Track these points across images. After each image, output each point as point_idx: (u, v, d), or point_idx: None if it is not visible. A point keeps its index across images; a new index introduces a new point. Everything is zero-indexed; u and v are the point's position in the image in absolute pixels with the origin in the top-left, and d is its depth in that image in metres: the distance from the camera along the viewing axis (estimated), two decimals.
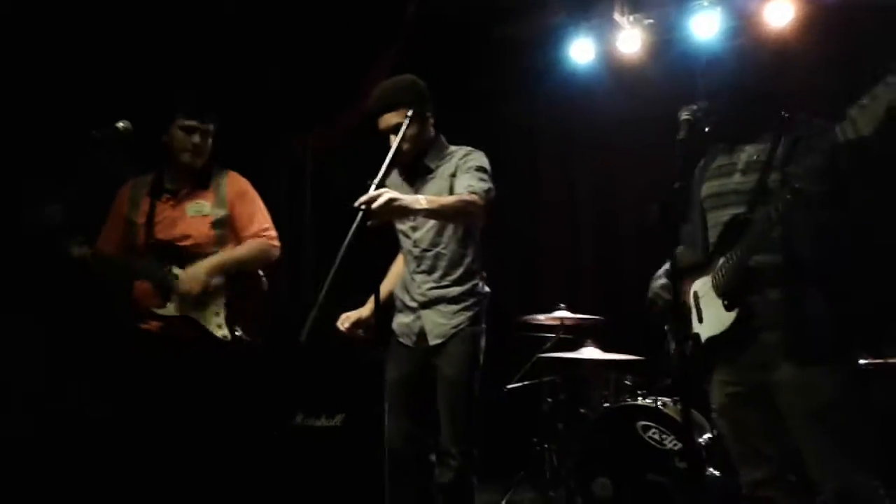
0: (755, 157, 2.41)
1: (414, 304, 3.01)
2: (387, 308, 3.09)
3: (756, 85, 2.42)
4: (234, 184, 3.34)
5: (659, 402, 3.88)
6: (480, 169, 2.95)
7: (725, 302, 2.35)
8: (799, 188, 2.12)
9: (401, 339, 3.04)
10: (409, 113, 2.83)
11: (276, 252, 3.35)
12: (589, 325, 4.42)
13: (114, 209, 3.31)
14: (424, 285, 2.99)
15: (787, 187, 2.16)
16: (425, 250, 3.00)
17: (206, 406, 3.01)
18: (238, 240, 3.29)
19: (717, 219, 2.45)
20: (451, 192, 2.94)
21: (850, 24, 4.53)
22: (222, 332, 3.15)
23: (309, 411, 3.79)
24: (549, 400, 4.45)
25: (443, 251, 2.99)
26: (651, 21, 5.10)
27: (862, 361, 3.58)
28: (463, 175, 2.93)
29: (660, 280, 2.60)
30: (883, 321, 3.59)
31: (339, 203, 3.24)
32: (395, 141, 2.76)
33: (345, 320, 3.05)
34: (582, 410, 4.35)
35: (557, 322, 4.42)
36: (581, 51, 5.26)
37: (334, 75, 4.76)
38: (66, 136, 3.19)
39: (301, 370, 3.86)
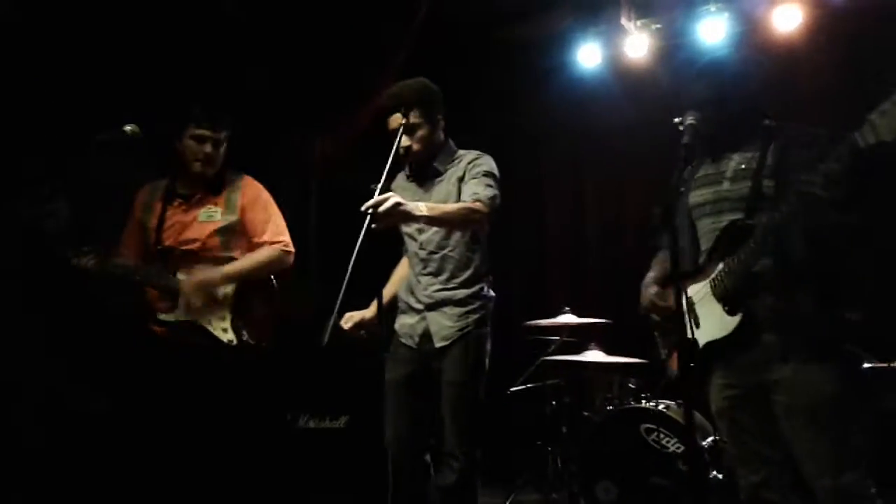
0: (743, 166, 2.43)
1: (419, 306, 3.01)
2: (390, 311, 3.10)
3: (740, 96, 2.45)
4: (248, 190, 3.32)
5: (662, 406, 3.88)
6: (488, 175, 2.95)
7: (726, 307, 2.36)
8: (805, 192, 2.13)
9: (403, 340, 3.05)
10: (420, 114, 2.87)
11: (290, 259, 3.32)
12: (593, 329, 4.42)
13: (130, 213, 3.34)
14: (431, 287, 3.00)
15: (793, 192, 2.18)
16: (432, 252, 3.01)
17: (209, 409, 3.01)
18: (250, 246, 3.28)
19: (710, 226, 2.47)
20: (458, 196, 2.95)
21: (857, 28, 4.54)
22: (228, 336, 3.15)
23: (313, 413, 3.81)
24: (553, 403, 4.45)
25: (450, 253, 2.99)
26: (658, 26, 5.11)
27: (867, 365, 3.59)
28: (470, 181, 2.94)
29: (651, 288, 2.63)
30: (890, 325, 3.60)
31: (346, 207, 3.28)
32: (402, 140, 2.79)
33: (348, 320, 3.05)
34: (586, 413, 4.35)
35: (562, 325, 4.43)
36: (588, 55, 5.27)
37: (342, 79, 4.78)
38: (75, 139, 3.21)
39: (306, 372, 3.88)
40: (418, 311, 3.01)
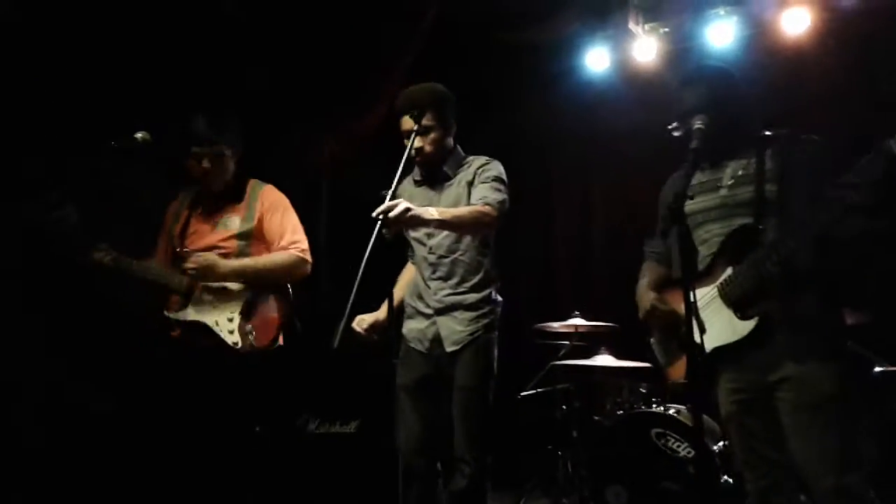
0: (741, 172, 2.45)
1: (429, 311, 3.02)
2: (397, 316, 3.10)
3: (729, 103, 2.46)
4: (267, 197, 3.34)
5: (673, 410, 3.87)
6: (497, 179, 2.98)
7: (738, 311, 2.36)
8: (839, 199, 2.14)
9: (413, 345, 3.05)
10: (434, 116, 2.90)
11: (305, 266, 3.30)
12: (603, 333, 4.42)
13: (163, 222, 3.39)
14: (441, 292, 3.00)
15: (830, 199, 2.16)
16: (442, 257, 3.02)
17: (207, 410, 3.02)
18: (268, 251, 3.29)
19: (712, 232, 2.48)
20: (468, 200, 2.96)
21: (866, 31, 4.52)
22: (233, 338, 3.16)
23: (324, 418, 3.81)
24: (564, 407, 4.45)
25: (461, 258, 3.00)
26: (666, 30, 5.11)
27: (878, 369, 3.58)
28: (480, 185, 2.96)
29: (650, 294, 2.64)
30: None
31: (355, 209, 3.29)
32: (413, 142, 2.80)
33: (361, 322, 3.04)
34: (596, 418, 4.35)
35: (572, 329, 4.43)
36: (596, 59, 5.28)
37: (351, 81, 4.79)
38: (75, 139, 3.23)
39: (317, 376, 3.89)
40: (428, 316, 3.01)
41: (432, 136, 2.96)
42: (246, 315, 3.19)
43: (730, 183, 2.47)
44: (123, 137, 3.09)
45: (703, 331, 2.44)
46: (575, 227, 5.75)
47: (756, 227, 2.36)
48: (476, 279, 3.00)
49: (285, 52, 4.60)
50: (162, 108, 3.51)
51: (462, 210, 2.86)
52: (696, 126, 2.36)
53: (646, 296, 2.66)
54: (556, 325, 4.46)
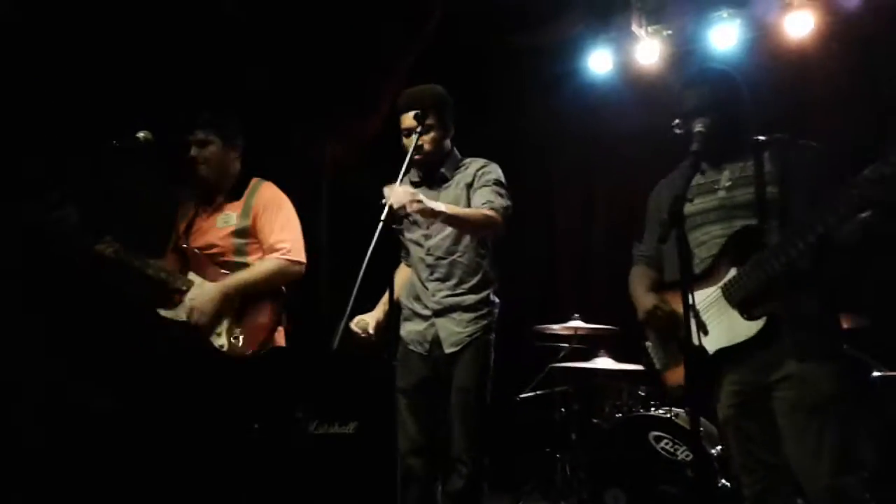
0: (739, 174, 2.46)
1: (427, 312, 3.02)
2: (391, 317, 3.08)
3: (730, 107, 2.47)
4: (264, 194, 3.34)
5: (671, 413, 3.86)
6: (498, 183, 3.00)
7: (745, 312, 2.35)
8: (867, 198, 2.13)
9: (412, 347, 3.05)
10: (435, 116, 2.91)
11: (294, 268, 3.26)
12: (603, 336, 4.42)
13: (175, 222, 3.42)
14: (439, 293, 3.01)
15: (842, 200, 2.15)
16: (440, 258, 3.02)
17: (198, 412, 3.03)
18: (264, 251, 3.28)
19: (710, 234, 2.48)
20: (467, 202, 2.97)
21: (869, 34, 4.51)
22: (220, 341, 3.15)
23: (323, 418, 3.81)
24: (562, 409, 4.44)
25: (459, 259, 3.01)
26: (670, 32, 5.10)
27: (876, 374, 3.57)
28: (482, 188, 2.97)
29: (649, 297, 2.62)
30: None
31: (356, 210, 3.29)
32: (414, 141, 2.81)
33: (359, 322, 3.03)
34: (595, 420, 4.34)
35: (571, 332, 4.42)
36: (599, 61, 5.27)
37: (353, 82, 4.79)
38: (75, 139, 3.23)
39: (315, 377, 3.88)
40: (426, 318, 3.02)
41: (432, 135, 2.98)
42: (236, 318, 3.18)
43: (728, 185, 2.47)
44: (125, 137, 3.10)
45: (705, 333, 2.44)
46: (576, 229, 5.74)
47: (759, 229, 2.37)
48: (474, 280, 3.00)
49: (287, 53, 4.61)
50: (162, 108, 3.51)
51: (470, 210, 2.87)
52: (697, 129, 2.37)
53: (645, 297, 2.65)
54: (556, 328, 4.46)
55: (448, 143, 3.10)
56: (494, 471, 3.11)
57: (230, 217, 3.29)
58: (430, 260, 3.03)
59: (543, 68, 5.46)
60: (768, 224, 2.36)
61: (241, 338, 3.16)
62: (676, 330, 2.51)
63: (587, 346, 4.49)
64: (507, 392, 4.31)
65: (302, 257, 3.30)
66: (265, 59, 4.54)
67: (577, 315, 4.42)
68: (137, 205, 3.79)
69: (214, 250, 3.26)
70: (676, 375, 2.59)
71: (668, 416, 3.84)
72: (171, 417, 3.07)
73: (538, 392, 4.49)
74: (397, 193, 2.55)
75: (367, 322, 3.04)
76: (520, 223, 5.40)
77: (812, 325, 2.31)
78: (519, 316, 4.62)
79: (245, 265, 3.25)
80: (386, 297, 3.05)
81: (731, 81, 2.54)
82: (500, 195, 2.95)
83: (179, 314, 3.18)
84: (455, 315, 2.98)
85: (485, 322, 2.99)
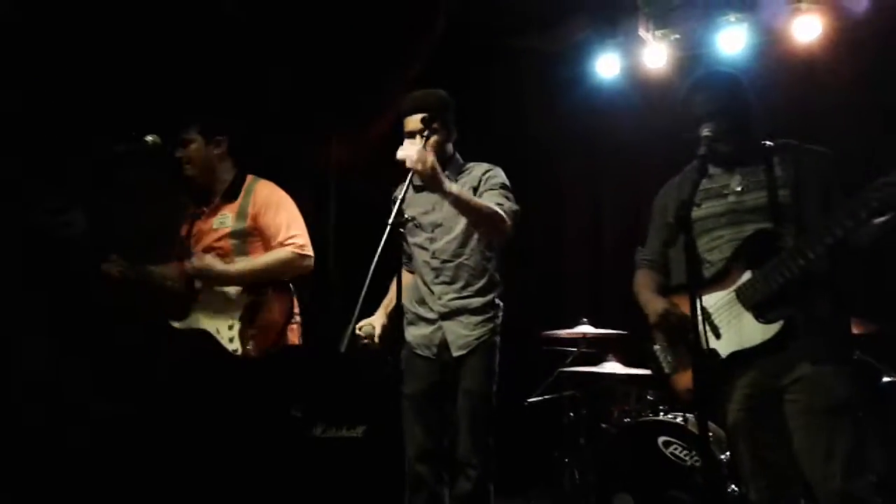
0: (750, 179, 2.46)
1: (433, 316, 3.02)
2: (392, 320, 3.07)
3: (739, 111, 2.48)
4: (261, 194, 3.33)
5: (680, 418, 3.85)
6: (504, 187, 3.00)
7: (761, 315, 2.35)
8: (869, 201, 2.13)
9: (418, 352, 3.05)
10: (439, 120, 2.89)
11: (304, 261, 3.27)
12: (611, 340, 4.41)
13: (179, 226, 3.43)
14: (445, 296, 3.01)
15: (862, 203, 2.15)
16: (446, 261, 3.02)
17: (213, 418, 3.03)
18: (266, 249, 3.28)
19: (722, 238, 2.48)
20: None
21: (878, 38, 4.50)
22: (233, 345, 3.15)
23: (330, 422, 3.81)
24: (571, 414, 4.43)
25: (466, 262, 3.01)
26: (677, 36, 5.08)
27: (886, 379, 3.55)
28: (489, 192, 2.96)
29: (659, 301, 2.61)
30: None
31: (364, 214, 3.29)
32: (417, 142, 2.81)
33: (365, 327, 3.02)
34: (603, 425, 4.33)
35: (579, 336, 4.42)
36: (607, 66, 5.27)
37: (360, 85, 4.81)
38: (97, 149, 3.25)
39: (324, 380, 3.89)
40: (432, 321, 3.02)
41: (436, 138, 2.97)
42: (247, 320, 3.18)
43: (738, 189, 2.47)
44: (133, 140, 3.11)
45: (717, 336, 2.44)
46: (584, 233, 5.73)
47: (775, 232, 2.37)
48: (481, 283, 3.01)
49: (295, 56, 4.63)
50: (165, 110, 3.52)
51: (481, 202, 2.85)
52: (705, 133, 2.37)
53: (655, 301, 2.64)
54: (564, 332, 4.45)
55: (451, 146, 3.10)
56: (503, 475, 3.10)
57: (226, 219, 3.29)
58: (435, 263, 3.03)
59: (551, 73, 5.46)
60: (782, 228, 2.37)
61: (254, 340, 3.16)
62: (687, 333, 2.50)
63: (595, 350, 4.48)
64: (516, 396, 4.31)
65: (311, 251, 3.30)
66: (273, 62, 4.55)
67: (585, 319, 4.42)
68: (144, 210, 3.80)
69: (214, 253, 3.25)
70: (686, 379, 2.58)
71: (678, 420, 3.83)
72: (191, 424, 3.06)
73: (547, 396, 4.48)
74: (413, 153, 2.54)
75: (371, 327, 3.03)
76: (527, 228, 5.40)
77: (825, 328, 2.32)
78: (527, 321, 4.62)
79: None
80: (387, 300, 3.07)
81: (741, 85, 2.55)
82: (508, 199, 2.95)
83: (191, 324, 3.18)
84: (462, 318, 2.98)
85: (491, 325, 2.99)
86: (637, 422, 4.03)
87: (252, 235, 3.28)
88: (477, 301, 2.99)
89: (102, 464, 3.45)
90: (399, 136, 3.07)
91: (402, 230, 2.51)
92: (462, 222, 3.01)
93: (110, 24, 3.81)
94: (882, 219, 2.16)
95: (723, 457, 3.62)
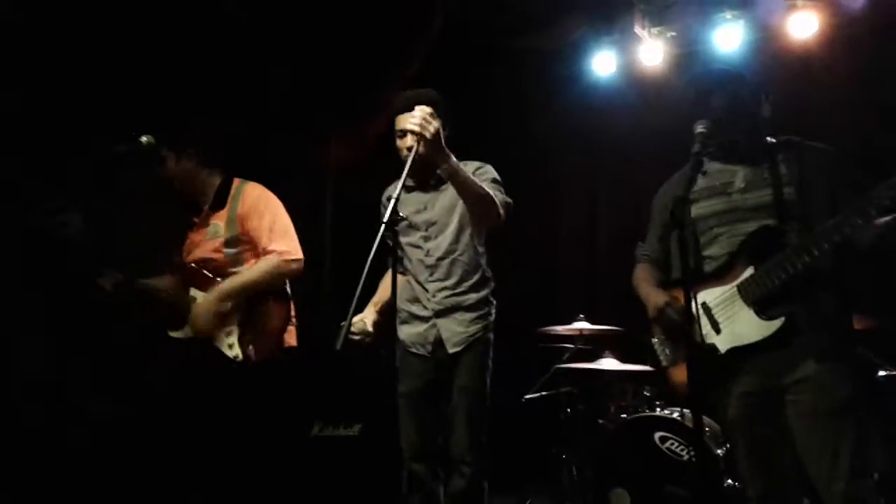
0: (752, 177, 2.46)
1: (427, 314, 3.03)
2: (384, 315, 3.09)
3: (755, 109, 2.49)
4: (247, 198, 3.29)
5: (676, 414, 3.87)
6: (496, 182, 3.03)
7: (762, 311, 2.34)
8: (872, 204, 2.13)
9: (413, 350, 3.06)
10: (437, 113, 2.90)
11: (291, 266, 3.21)
12: (607, 336, 4.42)
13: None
14: (440, 294, 3.02)
15: (871, 202, 2.15)
16: (440, 258, 3.03)
17: (212, 426, 3.03)
18: (258, 256, 3.26)
19: (724, 234, 2.47)
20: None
21: (873, 35, 4.51)
22: (234, 352, 3.14)
23: (327, 421, 3.82)
24: (568, 410, 4.44)
25: (459, 258, 3.03)
26: (673, 34, 5.09)
27: (882, 373, 3.56)
28: (482, 185, 2.97)
29: (660, 295, 2.61)
30: None
31: (360, 214, 3.30)
32: (409, 139, 2.81)
33: (357, 323, 3.01)
34: (600, 421, 4.34)
35: (576, 333, 4.43)
36: (603, 63, 5.27)
37: (356, 87, 4.81)
38: (88, 148, 3.25)
39: (320, 379, 3.90)
40: (426, 319, 3.03)
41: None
42: (245, 326, 3.18)
43: (741, 186, 2.47)
44: (129, 141, 3.11)
45: (716, 331, 2.44)
46: (580, 230, 5.74)
47: (779, 229, 2.37)
48: (474, 279, 3.03)
49: (291, 56, 4.63)
50: (161, 112, 3.52)
51: (477, 180, 2.86)
52: (698, 130, 2.37)
53: (656, 294, 2.63)
54: (561, 329, 4.46)
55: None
56: (500, 471, 3.11)
57: (218, 228, 3.26)
58: (430, 261, 3.05)
59: (547, 70, 5.47)
60: (787, 225, 2.36)
61: (253, 345, 3.16)
62: (691, 325, 2.47)
63: (592, 346, 4.49)
64: (513, 393, 4.32)
65: (299, 254, 3.24)
66: (269, 63, 4.56)
67: (581, 316, 4.43)
68: (144, 212, 3.80)
69: (211, 265, 3.25)
70: (683, 373, 2.58)
71: (674, 416, 3.85)
72: (189, 430, 3.06)
73: (543, 393, 4.49)
74: (418, 117, 2.57)
75: (364, 323, 3.03)
76: (524, 224, 5.45)
77: (829, 325, 2.31)
78: (524, 317, 4.64)
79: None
80: (376, 298, 3.10)
81: (747, 82, 2.55)
82: (500, 192, 2.98)
83: (189, 332, 3.19)
84: (457, 315, 2.99)
85: (485, 322, 3.02)
86: (633, 417, 4.04)
87: (243, 242, 3.25)
88: (471, 298, 3.01)
89: (102, 465, 3.45)
90: (392, 131, 3.08)
91: (396, 229, 2.52)
92: (455, 219, 3.04)
93: (110, 24, 3.80)
94: (885, 219, 2.15)
95: (719, 451, 3.63)
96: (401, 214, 2.51)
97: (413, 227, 3.07)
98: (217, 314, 3.15)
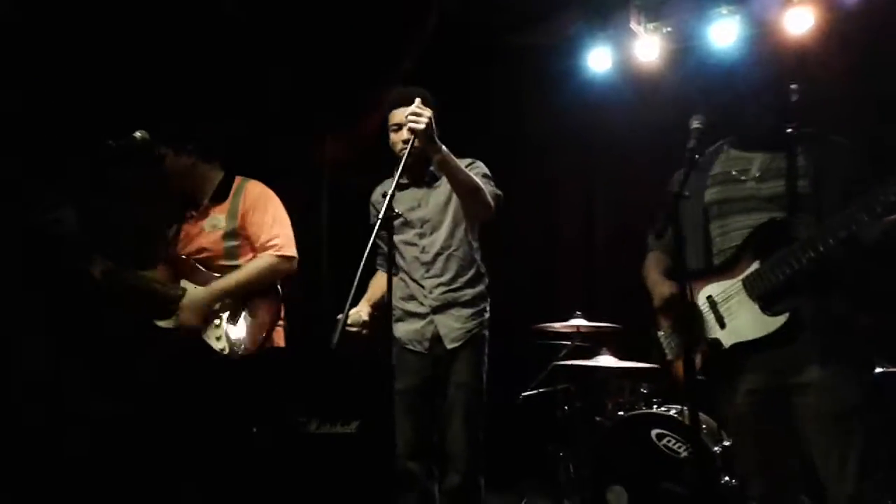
0: (770, 165, 2.41)
1: (424, 310, 3.03)
2: (378, 310, 3.08)
3: (776, 95, 2.44)
4: (250, 194, 3.31)
5: (674, 411, 3.86)
6: (487, 176, 3.04)
7: (766, 307, 2.31)
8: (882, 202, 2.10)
9: (409, 347, 3.05)
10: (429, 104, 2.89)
11: (285, 264, 3.23)
12: (605, 333, 4.41)
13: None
14: (436, 290, 3.02)
15: (879, 197, 2.11)
16: (437, 254, 3.04)
17: (202, 417, 3.03)
18: (255, 252, 3.27)
19: (735, 224, 2.43)
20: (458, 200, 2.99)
21: (869, 31, 4.50)
22: (220, 345, 3.14)
23: (324, 418, 3.81)
24: (565, 408, 4.44)
25: (454, 253, 3.03)
26: (669, 29, 5.08)
27: (878, 370, 3.55)
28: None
29: (666, 285, 2.57)
30: None
31: (356, 211, 3.29)
32: (405, 133, 2.81)
33: (353, 315, 2.99)
34: (597, 418, 4.33)
35: (573, 330, 4.42)
36: (598, 59, 5.26)
37: (352, 82, 4.80)
38: (85, 146, 3.23)
39: (316, 376, 3.89)
40: (423, 316, 3.03)
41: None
42: (233, 320, 3.17)
43: (757, 175, 2.43)
44: (122, 137, 3.09)
45: (721, 326, 2.41)
46: (577, 227, 5.74)
47: (787, 222, 2.33)
48: (470, 274, 3.04)
49: (287, 53, 4.62)
50: (160, 109, 3.51)
51: (466, 170, 2.88)
52: (694, 126, 2.36)
53: (663, 284, 2.59)
54: (558, 326, 4.45)
55: None
56: (497, 469, 3.11)
57: (218, 220, 3.27)
58: (425, 258, 3.05)
59: (543, 67, 5.46)
60: (797, 218, 2.32)
61: (241, 339, 3.15)
62: (692, 320, 2.46)
63: (589, 343, 4.48)
64: (510, 391, 4.32)
65: (293, 252, 3.26)
66: (266, 60, 4.54)
67: (578, 313, 4.42)
68: (138, 208, 3.79)
69: (205, 255, 3.24)
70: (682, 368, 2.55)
71: (671, 413, 3.84)
72: (176, 423, 3.07)
73: (541, 390, 4.49)
74: (412, 107, 2.60)
75: (360, 314, 3.02)
76: (521, 221, 5.44)
77: (839, 327, 2.27)
78: (521, 314, 4.64)
79: (237, 268, 3.23)
80: (368, 294, 3.10)
81: (756, 70, 2.51)
82: (491, 185, 3.00)
83: (177, 324, 3.18)
84: (453, 311, 3.00)
85: (481, 318, 3.03)
86: (631, 414, 4.03)
87: (241, 236, 3.26)
88: (468, 294, 3.01)
89: (99, 461, 3.45)
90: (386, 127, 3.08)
91: (391, 226, 2.51)
92: (449, 216, 3.04)
93: (110, 24, 3.79)
94: (893, 217, 2.12)
95: (716, 448, 3.63)
96: (396, 211, 2.51)
97: (408, 224, 3.07)
98: (205, 311, 3.14)
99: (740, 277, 2.38)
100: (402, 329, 3.07)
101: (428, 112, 2.64)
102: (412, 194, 3.08)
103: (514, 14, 5.08)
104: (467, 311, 3.00)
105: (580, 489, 4.19)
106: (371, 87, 4.66)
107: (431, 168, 3.05)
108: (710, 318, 2.45)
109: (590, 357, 4.33)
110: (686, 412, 3.84)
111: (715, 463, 3.58)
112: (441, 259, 3.03)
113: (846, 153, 2.38)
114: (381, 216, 2.42)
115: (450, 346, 2.97)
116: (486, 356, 3.03)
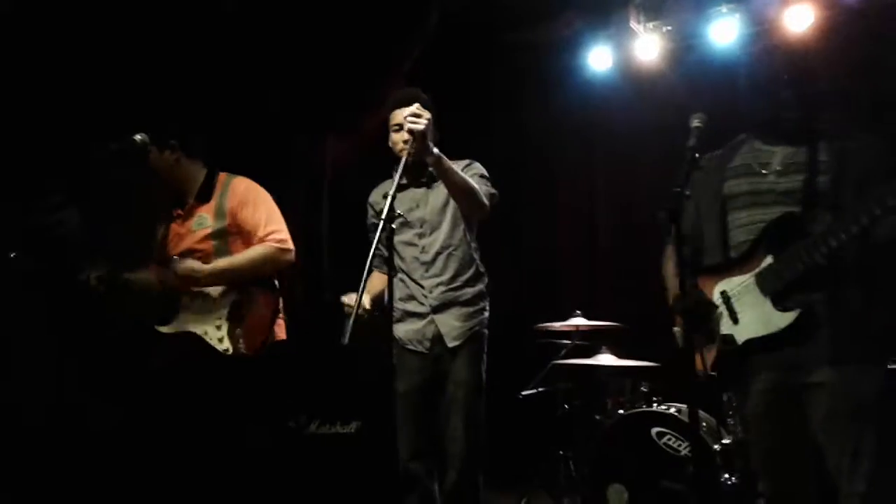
0: (792, 159, 2.37)
1: (424, 310, 3.04)
2: (378, 298, 3.08)
3: (798, 88, 2.40)
4: (237, 191, 3.28)
5: (674, 409, 3.87)
6: (484, 177, 3.07)
7: (778, 303, 2.29)
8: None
9: (410, 347, 3.06)
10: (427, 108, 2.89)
11: (285, 255, 3.22)
12: (605, 332, 4.41)
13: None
14: (436, 289, 3.03)
15: (884, 190, 2.10)
16: (437, 254, 3.05)
17: (208, 419, 3.01)
18: (247, 246, 3.24)
19: (753, 217, 2.40)
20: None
21: (869, 28, 4.50)
22: (223, 345, 3.13)
23: (324, 418, 3.81)
24: (565, 406, 4.44)
25: (454, 252, 3.05)
26: (669, 28, 5.08)
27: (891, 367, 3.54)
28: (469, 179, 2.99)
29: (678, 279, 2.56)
30: None
31: (357, 212, 3.29)
32: (404, 133, 2.81)
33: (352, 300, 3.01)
34: (597, 417, 4.33)
35: (573, 328, 4.42)
36: (598, 58, 5.26)
37: (352, 83, 4.80)
38: (85, 148, 3.24)
39: (317, 376, 3.89)
40: (423, 316, 3.03)
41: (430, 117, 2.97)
42: (234, 319, 3.16)
43: (778, 169, 2.39)
44: (122, 139, 3.10)
45: (734, 321, 2.39)
46: (577, 226, 5.74)
47: (802, 217, 2.30)
48: (469, 273, 3.05)
49: (288, 54, 4.62)
50: (158, 109, 3.51)
51: (461, 172, 2.90)
52: (694, 124, 2.35)
53: (675, 279, 2.53)
54: (558, 325, 4.46)
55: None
56: (497, 468, 3.11)
57: (204, 219, 3.25)
58: (425, 258, 3.05)
59: (543, 66, 5.46)
60: (812, 213, 2.29)
61: (243, 338, 3.14)
62: (706, 317, 2.45)
63: (589, 342, 4.48)
64: (510, 389, 4.32)
65: (291, 244, 3.25)
66: (266, 60, 4.54)
67: (578, 312, 4.42)
68: (137, 210, 3.79)
69: (195, 255, 3.22)
70: (701, 361, 2.54)
71: (671, 411, 3.84)
72: (186, 426, 3.05)
73: (541, 389, 4.49)
74: (415, 114, 2.65)
75: (363, 303, 3.02)
76: (521, 221, 5.43)
77: (854, 323, 2.24)
78: (521, 313, 4.65)
79: None
80: (367, 288, 3.07)
81: (767, 65, 2.47)
82: (487, 185, 3.04)
83: (178, 327, 3.18)
84: (454, 310, 3.01)
85: (482, 317, 3.05)
86: (630, 413, 4.03)
87: (232, 234, 3.24)
88: (468, 293, 3.03)
89: (100, 464, 3.45)
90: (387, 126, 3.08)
91: (391, 227, 2.52)
92: (448, 215, 3.06)
93: (109, 24, 3.79)
94: None
95: (716, 447, 3.63)
96: (397, 212, 2.51)
97: (407, 224, 3.07)
98: (194, 277, 3.12)
99: (753, 272, 2.36)
100: (402, 329, 3.07)
101: (427, 114, 2.67)
102: (411, 195, 3.09)
103: (515, 13, 5.07)
104: (467, 310, 3.01)
105: (580, 488, 4.19)
106: (372, 86, 4.66)
107: (430, 169, 3.05)
108: (724, 313, 2.43)
109: (589, 356, 4.33)
110: (685, 411, 3.85)
111: (715, 461, 3.58)
112: (441, 258, 3.04)
113: (870, 149, 2.33)
114: (383, 217, 2.42)
115: (451, 344, 2.98)
116: (486, 354, 3.03)
